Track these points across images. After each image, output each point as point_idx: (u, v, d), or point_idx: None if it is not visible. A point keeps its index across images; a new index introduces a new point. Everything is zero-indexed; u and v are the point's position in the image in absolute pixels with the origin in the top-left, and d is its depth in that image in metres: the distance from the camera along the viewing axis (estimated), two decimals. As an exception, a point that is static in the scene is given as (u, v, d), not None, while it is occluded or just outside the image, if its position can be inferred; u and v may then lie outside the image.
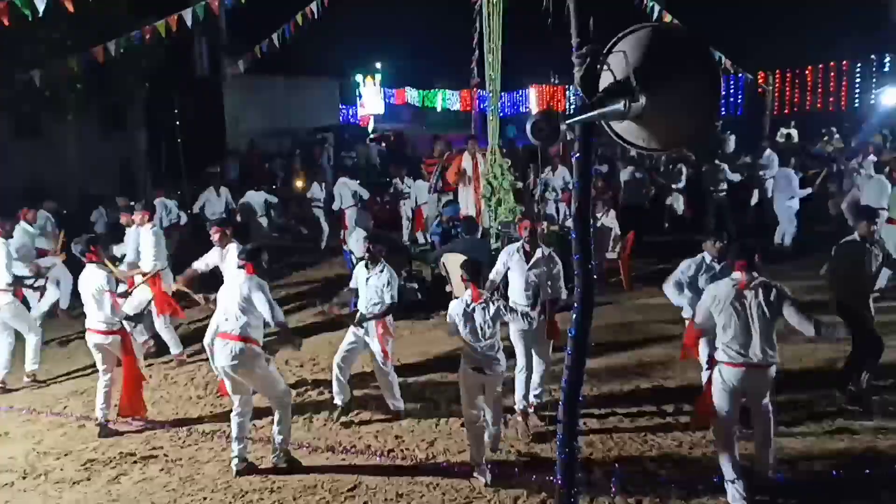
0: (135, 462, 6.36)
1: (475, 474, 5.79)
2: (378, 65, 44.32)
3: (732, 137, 18.39)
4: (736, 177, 13.70)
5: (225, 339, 5.89)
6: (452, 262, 9.15)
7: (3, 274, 8.02)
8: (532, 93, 39.04)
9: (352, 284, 7.14)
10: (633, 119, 3.73)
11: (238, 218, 13.27)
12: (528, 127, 3.32)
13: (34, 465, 6.38)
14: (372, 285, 6.81)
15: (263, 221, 13.90)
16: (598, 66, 3.79)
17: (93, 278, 6.83)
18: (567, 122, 3.47)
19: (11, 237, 8.64)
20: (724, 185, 13.50)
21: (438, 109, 45.29)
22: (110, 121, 20.85)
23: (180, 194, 15.72)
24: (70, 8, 7.69)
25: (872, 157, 12.78)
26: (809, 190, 13.08)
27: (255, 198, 13.93)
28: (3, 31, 7.49)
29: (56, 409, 7.58)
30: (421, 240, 13.72)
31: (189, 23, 9.16)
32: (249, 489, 5.84)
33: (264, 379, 6.02)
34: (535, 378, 6.64)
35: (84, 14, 8.75)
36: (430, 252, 11.50)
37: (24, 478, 6.16)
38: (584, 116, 3.60)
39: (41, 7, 7.37)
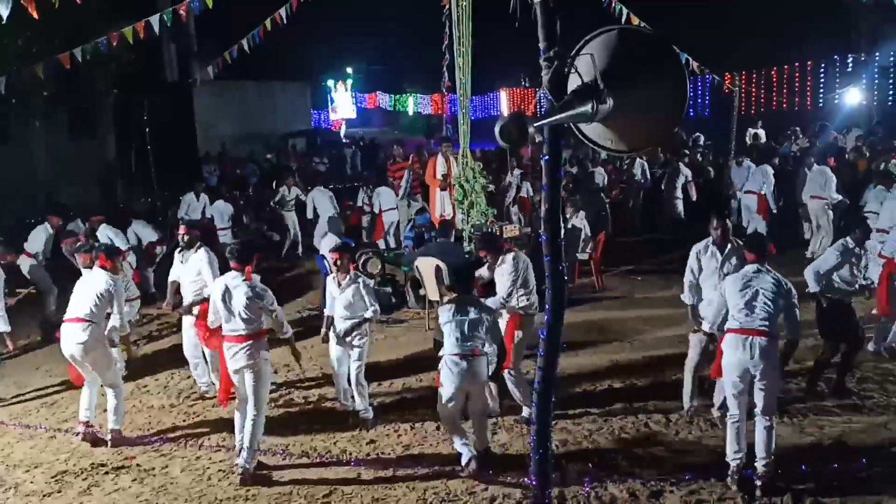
0: (106, 473, 6.28)
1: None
2: (349, 69, 44.25)
3: (702, 138, 18.65)
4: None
5: (233, 342, 6.11)
6: (426, 266, 9.16)
7: None
8: (503, 96, 39.15)
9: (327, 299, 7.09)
10: (600, 121, 3.77)
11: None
12: (496, 130, 3.34)
13: (3, 477, 6.28)
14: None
15: (228, 235, 13.45)
16: (566, 69, 3.83)
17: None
18: (535, 125, 3.50)
19: None
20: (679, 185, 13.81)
21: (410, 113, 45.28)
22: (79, 126, 20.60)
23: (150, 201, 15.58)
24: (34, 14, 7.57)
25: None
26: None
27: (221, 207, 13.75)
28: None
29: (25, 421, 7.47)
30: (381, 245, 13.44)
31: (157, 29, 9.07)
32: (224, 497, 5.79)
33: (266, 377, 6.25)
34: None
35: (51, 19, 8.63)
36: (403, 255, 11.49)
37: (-7, 491, 6.08)
38: (552, 119, 3.63)
39: (5, 13, 7.25)
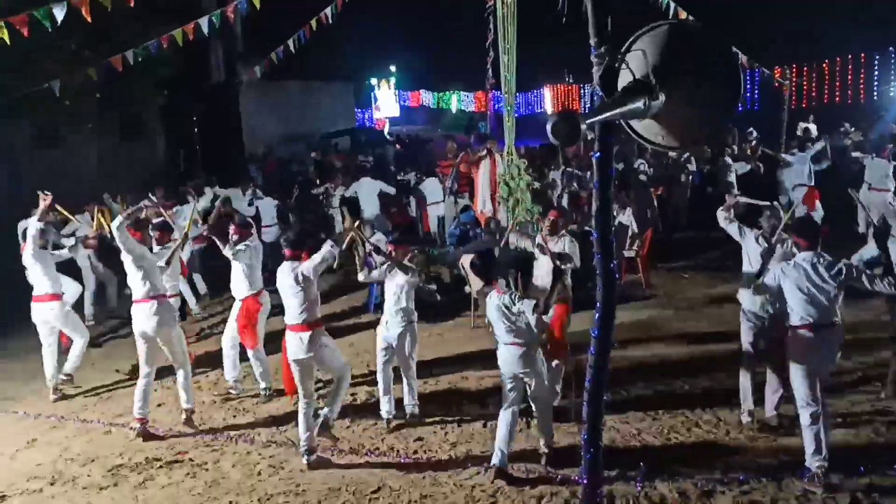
0: (161, 467, 6.42)
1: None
2: (392, 68, 44.43)
3: (754, 132, 18.30)
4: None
5: (293, 331, 6.20)
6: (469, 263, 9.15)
7: (48, 281, 8.16)
8: (547, 93, 38.97)
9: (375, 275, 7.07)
10: (652, 117, 3.73)
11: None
12: (548, 127, 3.32)
13: (61, 471, 6.46)
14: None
15: (273, 231, 13.23)
16: (617, 65, 3.79)
17: None
18: (587, 121, 3.47)
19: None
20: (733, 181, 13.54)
21: (454, 111, 45.27)
22: (129, 130, 21.01)
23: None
24: (88, 18, 7.75)
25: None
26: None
27: (267, 205, 13.76)
28: (20, 41, 7.58)
29: (82, 416, 7.67)
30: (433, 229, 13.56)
31: (206, 30, 9.22)
32: (274, 492, 5.87)
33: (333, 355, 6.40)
34: None
35: (99, 23, 8.80)
36: (448, 254, 11.52)
37: (52, 484, 6.24)
38: (604, 115, 3.60)
39: (60, 17, 7.45)
